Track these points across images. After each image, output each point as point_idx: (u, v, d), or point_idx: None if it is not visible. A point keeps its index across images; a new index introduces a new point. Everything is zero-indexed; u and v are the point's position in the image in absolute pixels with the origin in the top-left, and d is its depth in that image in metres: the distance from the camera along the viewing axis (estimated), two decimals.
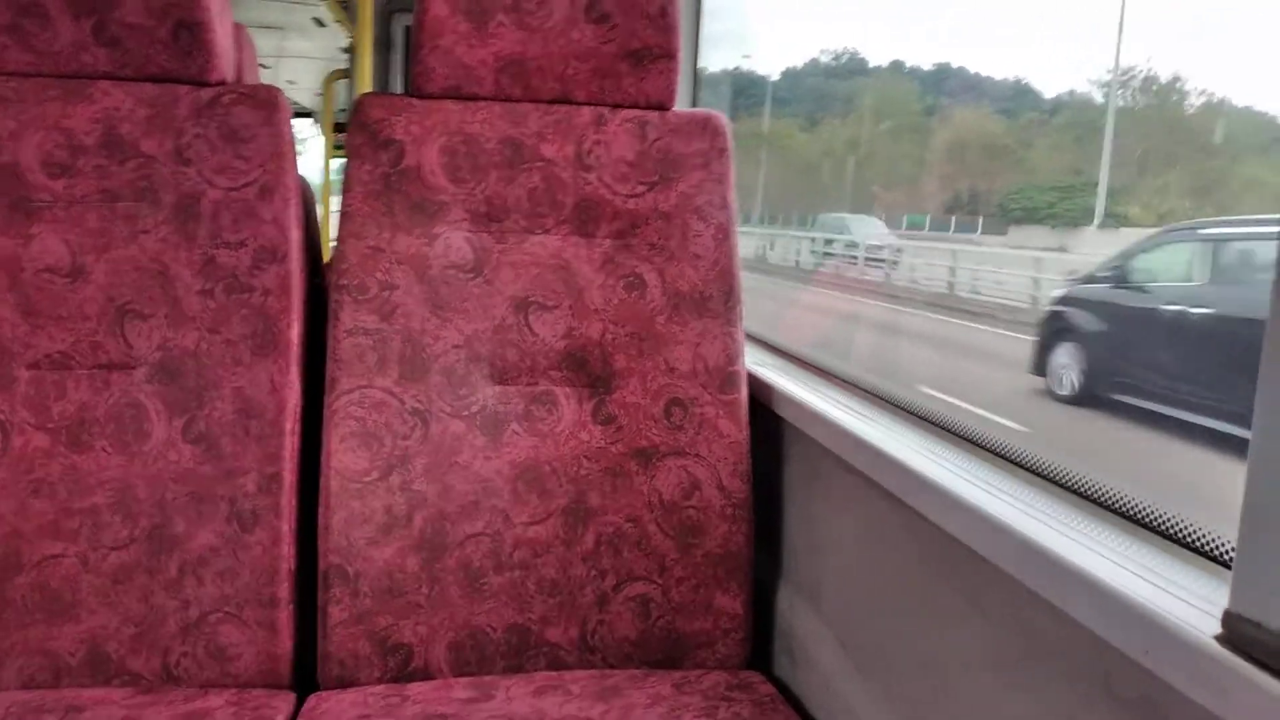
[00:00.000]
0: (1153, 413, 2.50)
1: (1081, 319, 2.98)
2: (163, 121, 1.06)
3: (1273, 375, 0.50)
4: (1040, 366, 2.97)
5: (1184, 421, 2.36)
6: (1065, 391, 2.84)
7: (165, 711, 0.94)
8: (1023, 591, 0.65)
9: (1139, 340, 2.80)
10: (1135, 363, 2.73)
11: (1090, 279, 3.14)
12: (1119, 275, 2.98)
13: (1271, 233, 2.45)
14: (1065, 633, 0.62)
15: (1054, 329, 2.99)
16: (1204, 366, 2.47)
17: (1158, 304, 2.75)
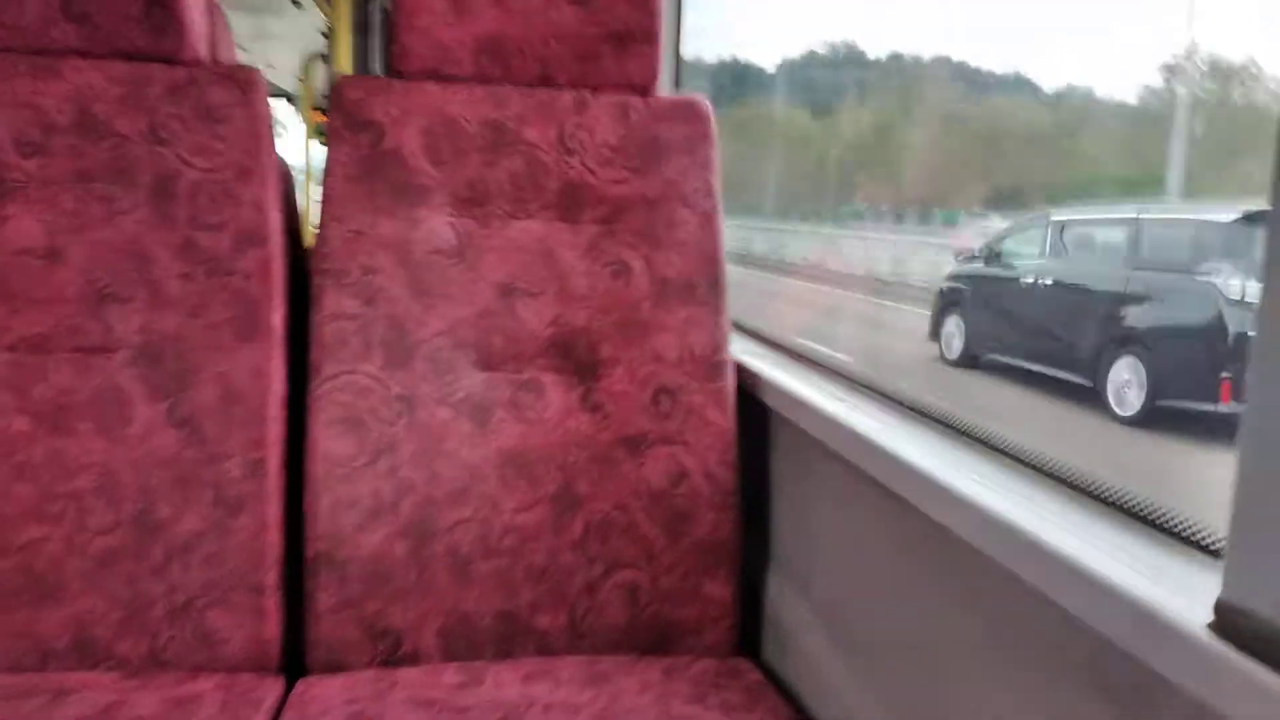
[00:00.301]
0: (1009, 365, 3.24)
1: (962, 293, 3.65)
2: (136, 100, 1.05)
3: (1263, 365, 0.50)
4: (935, 334, 3.62)
5: (1026, 370, 3.08)
6: (952, 355, 3.49)
7: (153, 695, 0.93)
8: (1012, 579, 0.65)
9: (1002, 306, 3.50)
10: (1000, 324, 3.46)
11: (970, 259, 3.80)
12: (990, 255, 3.64)
13: (1095, 219, 3.29)
14: (1055, 621, 0.62)
15: (943, 303, 3.66)
16: (1044, 322, 3.20)
17: (1016, 276, 3.45)
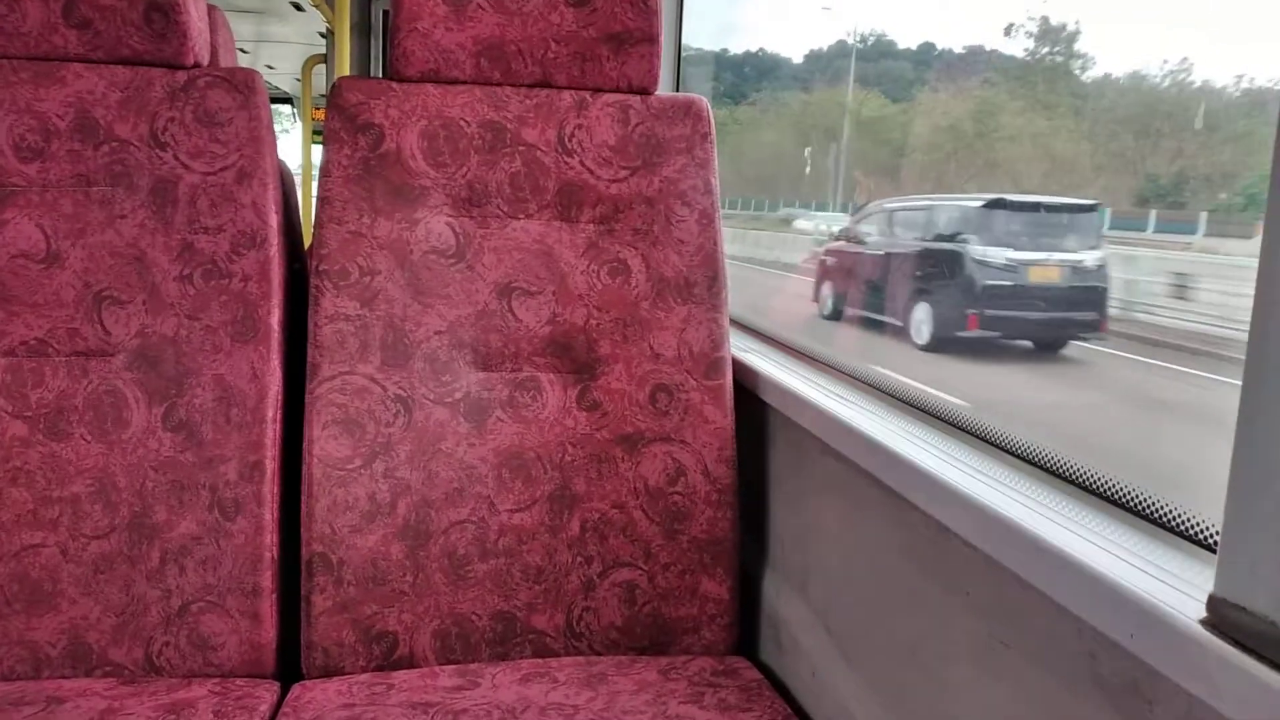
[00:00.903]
0: (857, 316, 4.54)
1: (830, 264, 4.89)
2: (136, 105, 1.05)
3: (1257, 360, 0.50)
4: (816, 298, 4.82)
5: (865, 317, 4.42)
6: (825, 312, 4.68)
7: (148, 702, 0.93)
8: (1008, 576, 0.65)
9: (854, 273, 4.76)
10: (853, 286, 4.77)
11: (835, 238, 5.08)
12: (847, 235, 4.91)
13: (908, 206, 4.35)
14: (1050, 617, 0.62)
15: (820, 272, 4.87)
16: (877, 282, 4.51)
17: (862, 250, 4.70)
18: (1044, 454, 0.78)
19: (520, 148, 1.11)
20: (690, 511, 1.09)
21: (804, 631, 1.03)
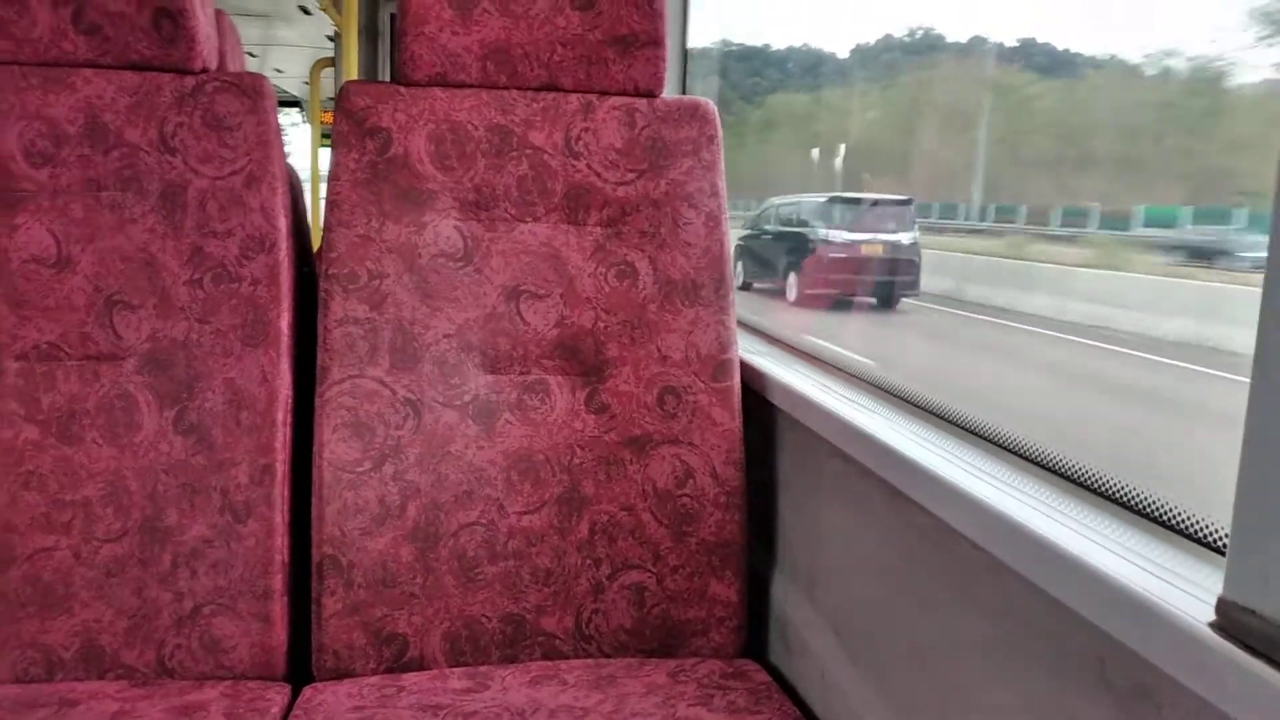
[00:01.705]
0: (755, 286, 6.57)
1: (744, 247, 6.61)
2: (145, 110, 1.06)
3: (1266, 362, 0.50)
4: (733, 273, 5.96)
5: (759, 286, 6.51)
6: (738, 285, 6.29)
7: (159, 704, 0.93)
8: (1017, 579, 0.65)
9: (755, 253, 6.64)
10: (754, 263, 6.67)
11: (745, 226, 6.90)
12: (753, 223, 6.77)
13: (785, 202, 6.86)
14: (1059, 620, 0.62)
15: (736, 253, 6.03)
16: (768, 259, 6.49)
17: (759, 235, 6.62)
18: (1052, 457, 0.78)
19: (527, 151, 1.12)
20: (699, 514, 1.09)
21: (813, 634, 1.03)
